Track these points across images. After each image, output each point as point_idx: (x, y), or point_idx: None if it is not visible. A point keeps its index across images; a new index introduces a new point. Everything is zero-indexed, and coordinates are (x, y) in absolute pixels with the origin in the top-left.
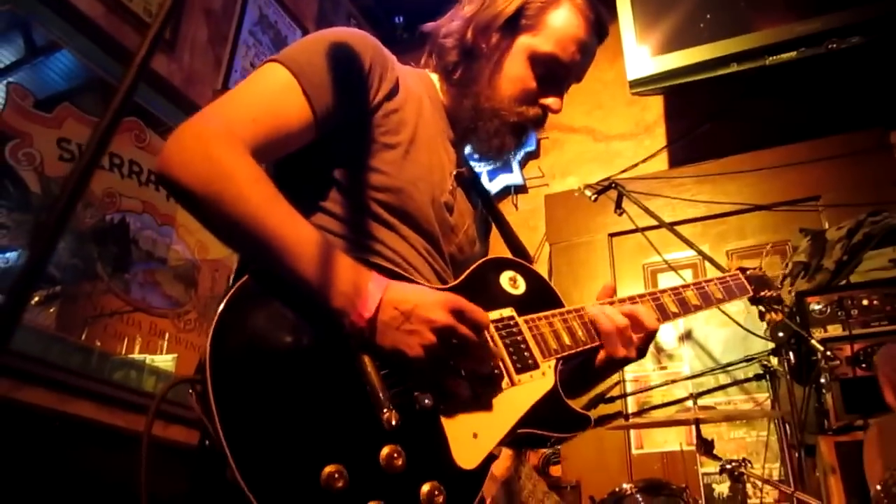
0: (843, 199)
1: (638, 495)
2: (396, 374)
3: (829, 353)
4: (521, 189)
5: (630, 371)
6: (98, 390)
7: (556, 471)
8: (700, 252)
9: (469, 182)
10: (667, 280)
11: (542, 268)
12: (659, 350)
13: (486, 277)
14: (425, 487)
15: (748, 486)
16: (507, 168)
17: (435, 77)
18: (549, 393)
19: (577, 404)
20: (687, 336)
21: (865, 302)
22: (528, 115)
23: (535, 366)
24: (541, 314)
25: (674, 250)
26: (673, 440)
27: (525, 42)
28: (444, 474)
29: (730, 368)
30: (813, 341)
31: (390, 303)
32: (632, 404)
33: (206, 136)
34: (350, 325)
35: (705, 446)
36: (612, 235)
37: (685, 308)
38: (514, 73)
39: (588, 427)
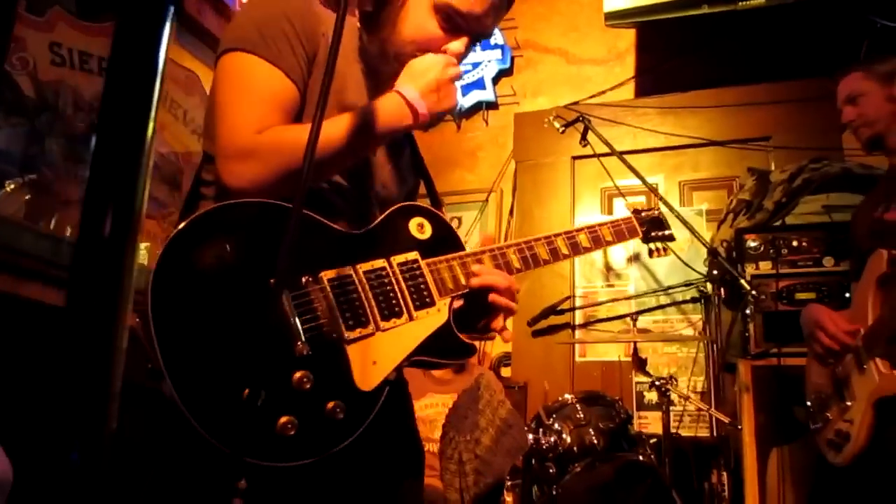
0: (792, 141)
1: (578, 405)
2: (310, 312)
3: (754, 292)
4: (492, 105)
5: (580, 287)
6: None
7: (506, 372)
8: (644, 182)
9: None
10: (620, 203)
11: (507, 184)
12: (608, 269)
13: (396, 223)
14: (329, 404)
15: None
16: (479, 84)
17: (358, 24)
18: (442, 326)
19: (521, 316)
20: (635, 258)
21: (795, 243)
22: None
23: (432, 303)
24: (442, 258)
25: (633, 176)
26: (612, 352)
27: None
28: (346, 394)
29: (670, 291)
30: (742, 281)
31: (425, 91)
32: (579, 316)
33: (242, 154)
34: (419, 123)
35: (639, 364)
36: (575, 158)
37: (576, 250)
38: (417, 20)
39: (471, 355)
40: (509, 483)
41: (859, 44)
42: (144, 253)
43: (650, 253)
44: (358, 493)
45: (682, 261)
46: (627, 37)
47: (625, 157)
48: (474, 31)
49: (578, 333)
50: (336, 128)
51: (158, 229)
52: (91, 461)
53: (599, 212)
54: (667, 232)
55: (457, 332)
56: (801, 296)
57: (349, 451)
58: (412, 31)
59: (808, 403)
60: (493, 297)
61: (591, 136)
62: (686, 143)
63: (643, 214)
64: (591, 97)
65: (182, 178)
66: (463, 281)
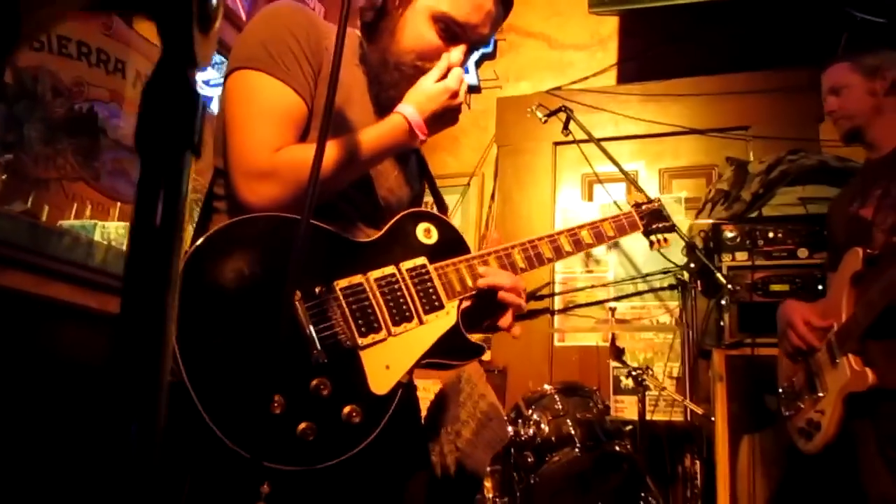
0: (770, 131)
1: (556, 395)
2: (325, 321)
3: (729, 286)
4: (474, 89)
5: (560, 272)
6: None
7: (485, 356)
8: (622, 170)
9: None
10: (600, 190)
11: (488, 169)
12: (588, 255)
13: (404, 229)
14: (346, 409)
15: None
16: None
17: (359, 34)
18: (451, 329)
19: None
20: (614, 245)
21: (771, 234)
22: (426, 69)
23: (441, 306)
24: (449, 261)
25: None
26: (591, 337)
27: (425, 1)
28: (361, 398)
29: (648, 278)
30: (718, 275)
31: (427, 114)
32: (558, 302)
33: (262, 174)
34: (422, 140)
35: (617, 353)
36: (556, 144)
37: (578, 246)
38: (416, 30)
39: (481, 355)
40: (489, 469)
41: (839, 36)
42: (122, 231)
43: (651, 245)
44: (372, 490)
45: (662, 254)
46: (610, 22)
47: (606, 143)
48: (472, 39)
49: (557, 318)
50: (342, 146)
51: None
52: (147, 441)
53: (580, 198)
54: (667, 223)
55: (465, 333)
56: (775, 287)
57: (365, 452)
58: (411, 40)
59: (781, 391)
60: (501, 294)
61: (572, 123)
62: (666, 130)
63: (643, 207)
64: (574, 83)
65: None
66: (470, 283)
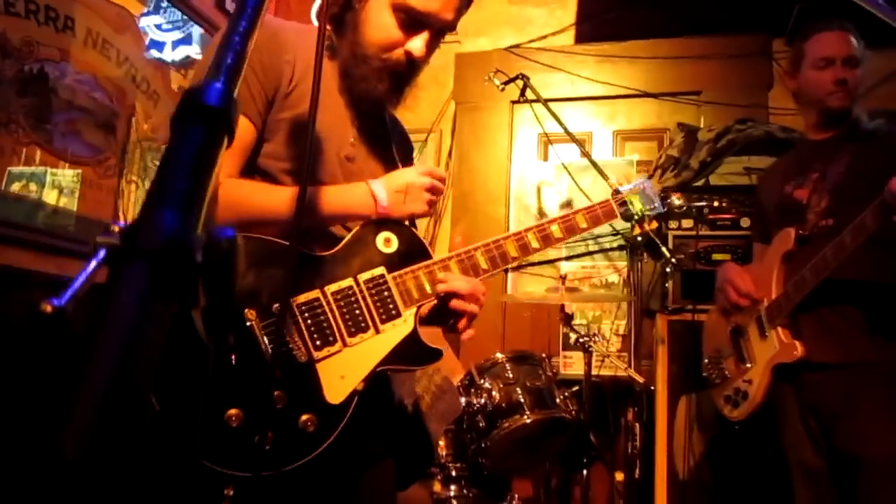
0: (721, 97)
1: (507, 364)
2: (281, 338)
3: (674, 260)
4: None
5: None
6: None
7: None
8: (570, 135)
9: (377, 127)
10: (552, 151)
11: (446, 125)
12: (542, 214)
13: (364, 240)
14: (303, 418)
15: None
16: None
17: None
18: (408, 336)
19: None
20: (567, 205)
21: (716, 204)
22: (391, 59)
23: (398, 315)
24: (408, 269)
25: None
26: (542, 294)
27: None
28: (317, 408)
29: (599, 239)
30: (663, 249)
31: (391, 189)
32: None
33: None
34: (377, 215)
35: (566, 319)
36: (513, 102)
37: (547, 242)
38: (378, 21)
39: (437, 360)
40: (443, 429)
41: (792, 5)
42: (74, 179)
43: (632, 229)
44: (334, 490)
45: (612, 226)
46: None
47: (562, 104)
48: (435, 26)
49: (511, 278)
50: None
51: (94, 175)
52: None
53: (536, 157)
54: (652, 207)
55: (422, 339)
56: (717, 256)
57: (324, 455)
58: (374, 32)
59: (706, 360)
60: (454, 303)
61: (531, 82)
62: (621, 93)
63: (623, 193)
64: (532, 41)
65: (117, 122)
66: (428, 289)
